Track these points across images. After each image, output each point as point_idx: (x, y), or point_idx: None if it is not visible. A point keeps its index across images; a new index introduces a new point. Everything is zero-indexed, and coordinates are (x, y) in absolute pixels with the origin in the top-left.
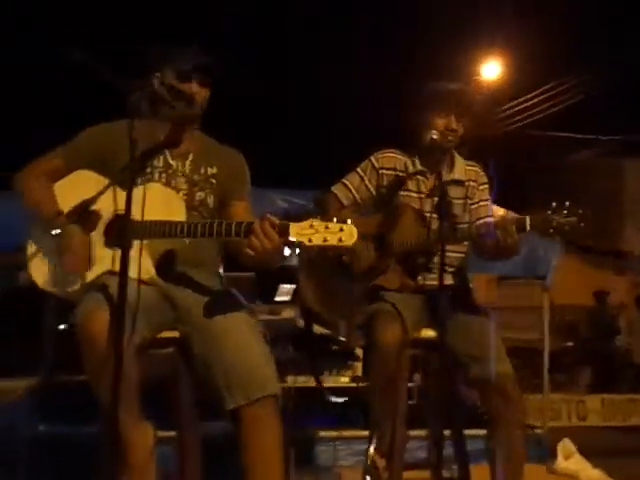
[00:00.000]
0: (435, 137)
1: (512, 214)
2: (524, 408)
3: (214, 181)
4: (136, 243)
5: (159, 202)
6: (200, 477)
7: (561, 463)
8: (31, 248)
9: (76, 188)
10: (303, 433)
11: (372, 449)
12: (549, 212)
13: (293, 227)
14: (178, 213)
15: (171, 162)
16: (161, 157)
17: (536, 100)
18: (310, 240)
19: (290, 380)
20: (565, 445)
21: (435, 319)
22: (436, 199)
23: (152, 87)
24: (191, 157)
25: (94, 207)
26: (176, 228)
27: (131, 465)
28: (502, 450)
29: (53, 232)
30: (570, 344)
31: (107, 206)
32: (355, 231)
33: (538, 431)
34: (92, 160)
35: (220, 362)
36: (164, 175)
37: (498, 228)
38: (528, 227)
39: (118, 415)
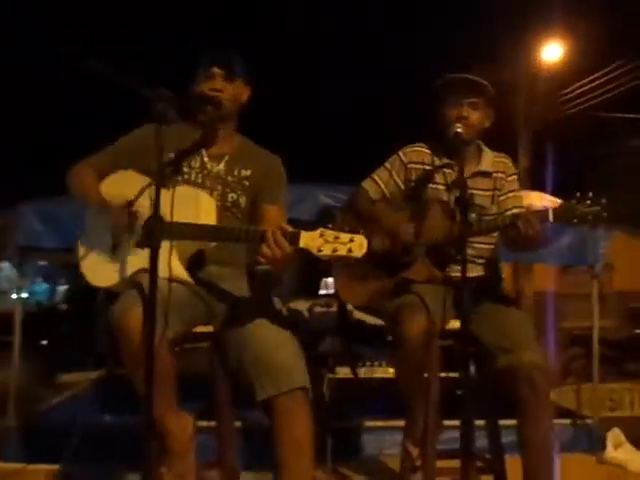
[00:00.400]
0: (460, 130)
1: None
2: (550, 400)
3: (247, 183)
4: (165, 243)
5: (190, 204)
6: (237, 466)
7: (610, 452)
8: (81, 244)
9: (119, 187)
10: (349, 423)
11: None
12: (572, 202)
13: (304, 236)
14: (208, 216)
15: (207, 163)
16: (198, 158)
17: (598, 82)
18: (320, 250)
19: (341, 371)
20: (615, 434)
21: (463, 311)
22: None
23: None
24: (226, 159)
25: (134, 207)
26: (198, 231)
27: (171, 453)
28: (531, 441)
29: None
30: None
31: (145, 206)
32: (365, 242)
33: (589, 421)
34: (135, 160)
35: (251, 356)
36: (200, 176)
37: (520, 219)
38: (551, 218)
39: (156, 406)
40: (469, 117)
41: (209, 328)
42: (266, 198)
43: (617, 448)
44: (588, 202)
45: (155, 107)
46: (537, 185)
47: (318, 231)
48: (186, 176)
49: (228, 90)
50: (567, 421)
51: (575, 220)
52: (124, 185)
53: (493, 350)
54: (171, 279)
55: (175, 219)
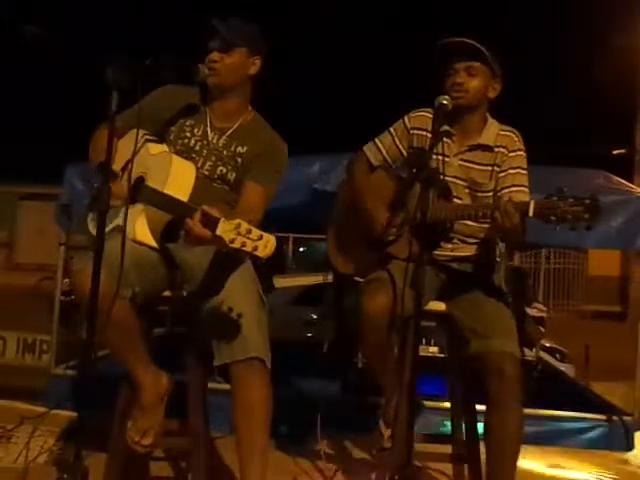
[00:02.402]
0: (445, 102)
1: None
2: (520, 390)
3: (239, 160)
4: (139, 206)
5: (164, 170)
6: (203, 429)
7: (638, 453)
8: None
9: (125, 147)
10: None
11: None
12: (555, 199)
13: (222, 223)
14: (182, 187)
15: (209, 133)
16: (202, 126)
17: None
18: (232, 241)
19: None
20: None
21: (445, 291)
22: (459, 162)
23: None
24: (229, 133)
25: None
26: (158, 201)
27: (139, 407)
28: (494, 431)
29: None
30: None
31: (135, 165)
32: (272, 244)
33: (627, 418)
34: (147, 121)
35: (214, 322)
36: (199, 144)
37: (498, 209)
38: (531, 213)
39: (126, 359)
40: (465, 83)
41: (180, 292)
42: (250, 175)
43: None
44: (571, 201)
45: (107, 73)
46: None
47: (236, 221)
48: (186, 140)
49: (225, 60)
50: (602, 417)
51: (553, 218)
52: (129, 144)
53: (467, 334)
54: (134, 241)
55: (150, 182)
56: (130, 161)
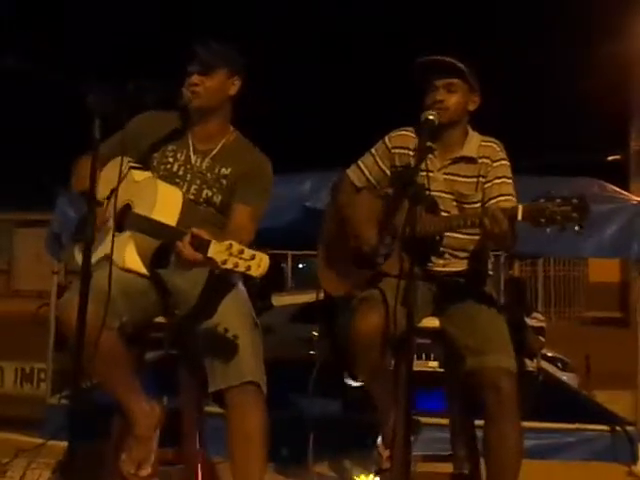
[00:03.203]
0: (431, 117)
1: None
2: (517, 404)
3: (224, 182)
4: (127, 234)
5: (151, 196)
6: (198, 454)
7: None
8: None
9: (110, 175)
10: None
11: (379, 439)
12: (542, 200)
13: (213, 245)
14: (170, 213)
15: (192, 157)
16: (184, 151)
17: None
18: (224, 262)
19: None
20: None
21: (438, 306)
22: (443, 177)
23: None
24: (211, 155)
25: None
26: (148, 227)
27: (133, 438)
28: (492, 446)
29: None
30: None
31: (120, 193)
32: (265, 262)
33: (630, 428)
34: (130, 148)
35: (207, 348)
36: (182, 168)
37: (486, 216)
38: (520, 217)
39: (117, 391)
40: (445, 100)
41: (171, 318)
42: (237, 197)
43: None
44: (559, 201)
45: (87, 100)
46: None
47: (228, 242)
48: (169, 166)
49: (205, 83)
50: (605, 428)
51: (543, 220)
52: (113, 172)
53: (462, 351)
54: (124, 269)
55: (137, 209)
56: (115, 189)
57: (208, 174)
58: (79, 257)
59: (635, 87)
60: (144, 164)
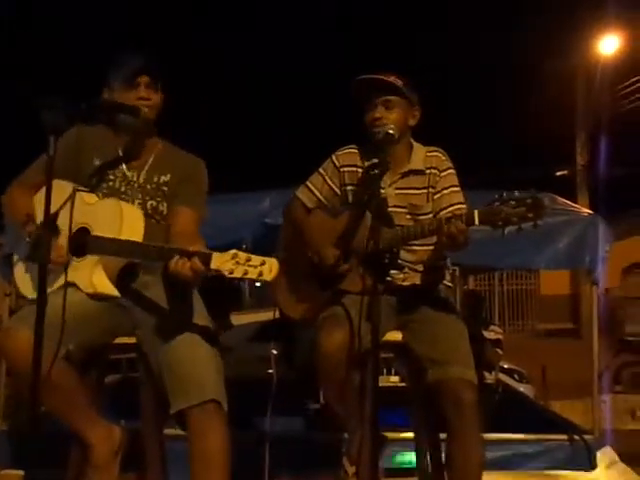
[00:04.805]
0: (392, 132)
1: None
2: (479, 416)
3: (165, 188)
4: (91, 257)
5: (114, 217)
6: (161, 478)
7: (601, 472)
8: (17, 254)
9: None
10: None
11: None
12: (497, 204)
13: (215, 258)
14: (136, 232)
15: (127, 173)
16: (119, 166)
17: None
18: (231, 272)
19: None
20: (606, 453)
21: (401, 321)
22: (395, 192)
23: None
24: (147, 167)
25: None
26: (126, 249)
27: (94, 464)
28: (454, 459)
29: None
30: None
31: (66, 219)
32: (275, 266)
33: (588, 437)
34: (62, 168)
35: (166, 368)
36: (123, 184)
37: (448, 223)
38: (477, 221)
39: (72, 419)
40: (384, 117)
41: (132, 339)
42: (179, 199)
43: (609, 468)
44: (513, 203)
45: (43, 116)
46: (594, 182)
47: (231, 252)
48: (110, 183)
49: (154, 98)
50: (564, 437)
51: (500, 222)
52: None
53: (425, 363)
54: (95, 294)
55: (99, 232)
56: (55, 214)
57: (147, 185)
58: (21, 281)
59: (579, 103)
60: (78, 183)
